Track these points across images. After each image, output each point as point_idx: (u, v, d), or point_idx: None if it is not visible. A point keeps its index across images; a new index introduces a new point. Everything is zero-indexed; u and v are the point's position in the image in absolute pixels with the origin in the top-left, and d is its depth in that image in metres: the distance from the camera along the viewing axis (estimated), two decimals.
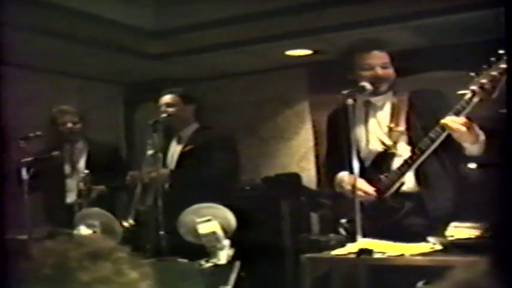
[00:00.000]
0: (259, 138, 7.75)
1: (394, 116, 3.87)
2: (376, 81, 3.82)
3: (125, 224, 4.55)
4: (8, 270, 1.45)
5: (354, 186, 3.60)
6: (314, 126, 7.55)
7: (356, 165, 3.60)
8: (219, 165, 4.84)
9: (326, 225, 6.49)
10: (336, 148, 3.93)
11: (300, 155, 7.63)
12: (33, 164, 4.76)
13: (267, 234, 6.43)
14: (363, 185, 3.74)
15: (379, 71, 3.84)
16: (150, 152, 4.74)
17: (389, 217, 3.75)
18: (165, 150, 4.97)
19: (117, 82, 8.19)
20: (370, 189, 3.76)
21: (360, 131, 3.91)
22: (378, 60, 3.85)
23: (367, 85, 3.74)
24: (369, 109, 3.94)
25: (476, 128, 3.42)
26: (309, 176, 7.47)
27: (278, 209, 6.83)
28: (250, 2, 5.64)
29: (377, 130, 3.90)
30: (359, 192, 3.66)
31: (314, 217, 6.77)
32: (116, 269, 1.33)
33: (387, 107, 3.92)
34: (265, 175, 7.25)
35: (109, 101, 8.04)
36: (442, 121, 3.42)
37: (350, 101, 3.58)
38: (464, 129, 3.36)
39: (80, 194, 5.14)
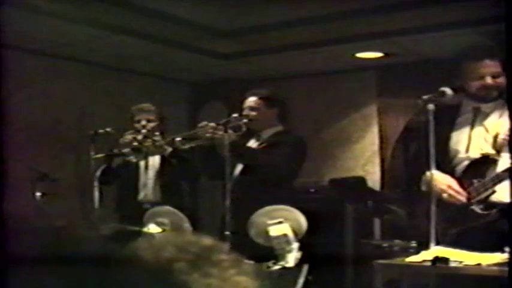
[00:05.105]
0: (323, 140, 7.70)
1: (501, 124, 3.70)
2: (484, 91, 3.71)
3: None
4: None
5: (448, 186, 3.59)
6: (380, 130, 7.48)
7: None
8: (281, 159, 4.69)
9: (390, 230, 6.42)
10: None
11: (365, 159, 7.56)
12: (106, 160, 4.75)
13: (331, 237, 6.37)
14: (455, 185, 3.66)
15: (489, 80, 3.69)
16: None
17: (472, 223, 3.64)
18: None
19: (182, 81, 8.23)
20: (462, 191, 3.66)
21: (463, 136, 3.81)
22: (489, 70, 3.68)
23: (448, 90, 3.62)
24: (477, 115, 3.80)
25: None
26: (373, 180, 7.40)
27: (342, 212, 6.77)
28: (321, 3, 5.58)
29: (481, 137, 3.76)
30: (450, 192, 3.62)
31: (377, 222, 6.69)
32: (222, 275, 1.08)
33: (496, 114, 3.76)
34: (330, 177, 7.20)
35: (174, 100, 8.07)
36: None
37: (431, 106, 3.50)
38: None
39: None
